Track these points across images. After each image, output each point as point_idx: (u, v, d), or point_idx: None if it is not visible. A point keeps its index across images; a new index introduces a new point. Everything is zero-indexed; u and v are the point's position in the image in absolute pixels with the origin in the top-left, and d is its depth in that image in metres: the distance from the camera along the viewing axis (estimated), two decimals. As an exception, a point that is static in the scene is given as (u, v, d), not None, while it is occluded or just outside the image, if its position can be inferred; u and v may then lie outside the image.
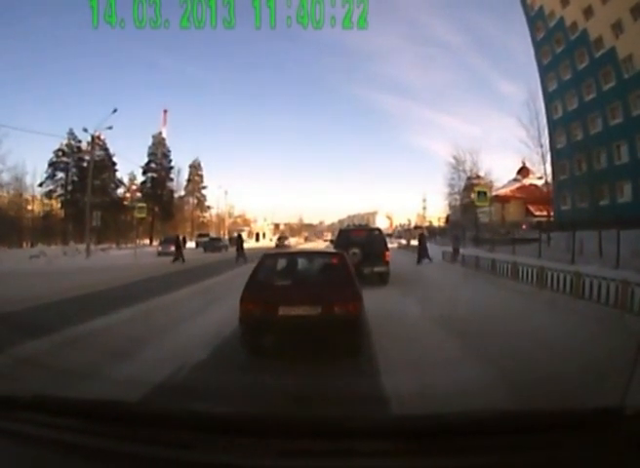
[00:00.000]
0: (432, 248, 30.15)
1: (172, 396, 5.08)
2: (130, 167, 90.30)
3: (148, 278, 19.42)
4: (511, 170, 62.90)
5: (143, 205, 40.77)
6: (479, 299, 11.67)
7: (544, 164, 41.49)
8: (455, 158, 51.77)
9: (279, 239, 66.84)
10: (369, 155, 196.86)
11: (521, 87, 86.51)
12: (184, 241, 50.59)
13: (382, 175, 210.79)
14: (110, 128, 38.28)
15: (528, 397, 4.52)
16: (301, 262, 8.73)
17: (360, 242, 16.42)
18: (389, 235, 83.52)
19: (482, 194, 27.45)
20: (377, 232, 18.29)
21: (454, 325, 8.54)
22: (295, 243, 75.93)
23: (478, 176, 49.54)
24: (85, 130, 39.48)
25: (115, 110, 37.04)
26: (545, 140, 41.38)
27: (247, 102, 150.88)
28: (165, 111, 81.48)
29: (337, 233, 20.89)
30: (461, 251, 25.22)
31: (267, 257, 8.26)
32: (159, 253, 38.50)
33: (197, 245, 52.56)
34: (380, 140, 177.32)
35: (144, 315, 10.41)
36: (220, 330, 8.38)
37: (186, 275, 20.19)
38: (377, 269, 15.80)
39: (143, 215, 40.59)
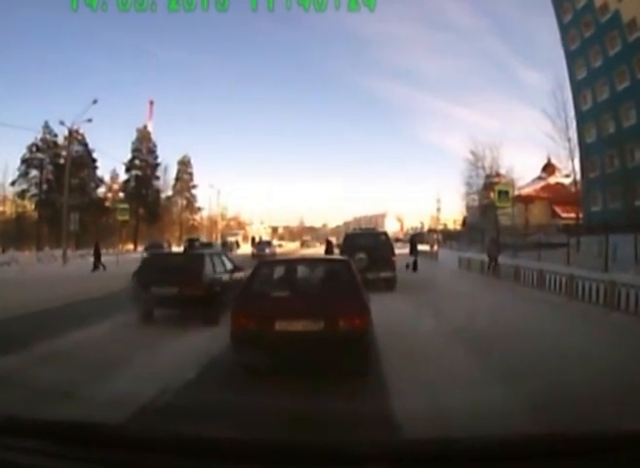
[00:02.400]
0: (447, 253, 30.17)
1: (157, 418, 5.05)
2: (112, 164, 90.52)
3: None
4: (535, 167, 63.09)
5: (126, 206, 40.77)
6: (501, 311, 11.66)
7: (572, 160, 41.60)
8: (473, 154, 51.78)
9: (258, 245, 51.26)
10: (377, 151, 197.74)
11: (546, 75, 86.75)
12: (170, 245, 50.71)
13: (392, 173, 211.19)
14: (90, 120, 38.30)
15: (555, 420, 4.47)
16: (302, 270, 8.67)
17: (366, 246, 17.38)
18: (399, 239, 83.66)
19: (503, 194, 27.32)
20: (383, 237, 19.31)
21: (472, 340, 8.51)
22: (289, 250, 69.53)
23: (498, 174, 49.50)
24: (62, 123, 39.35)
25: (95, 101, 36.85)
26: (573, 134, 41.48)
27: (242, 93, 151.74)
28: (151, 102, 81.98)
29: (342, 237, 22.37)
30: (478, 257, 24.97)
31: (263, 265, 8.22)
32: (144, 260, 38.49)
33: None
34: (389, 135, 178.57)
35: (124, 330, 10.45)
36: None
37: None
38: (383, 275, 16.66)
39: (126, 218, 40.56)
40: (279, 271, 8.48)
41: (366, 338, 6.55)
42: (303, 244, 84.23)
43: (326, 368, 6.43)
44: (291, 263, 9.16)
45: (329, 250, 29.70)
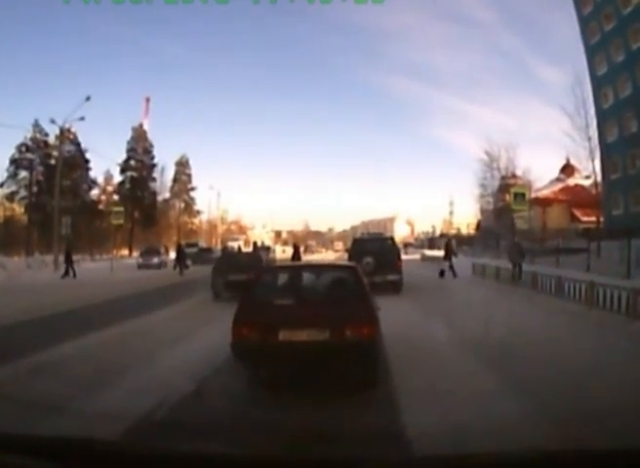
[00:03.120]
0: (460, 259, 30.11)
1: (155, 433, 5.06)
2: (105, 165, 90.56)
3: (126, 296, 19.47)
4: (554, 168, 62.88)
5: (121, 209, 40.77)
6: (517, 321, 11.59)
7: (592, 161, 41.38)
8: (487, 154, 51.90)
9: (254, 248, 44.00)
10: (387, 152, 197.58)
11: (565, 71, 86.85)
12: (167, 251, 50.68)
13: (403, 174, 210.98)
14: (83, 119, 38.48)
15: (575, 435, 4.47)
16: (307, 277, 8.60)
17: (373, 251, 19.40)
18: (410, 244, 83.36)
19: (519, 196, 27.28)
20: (389, 241, 21.91)
21: (487, 351, 8.51)
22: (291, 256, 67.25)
23: (514, 176, 49.57)
24: (53, 121, 39.55)
25: (88, 98, 37.00)
26: (594, 133, 41.28)
27: (243, 90, 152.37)
28: (147, 99, 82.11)
29: (349, 242, 25.55)
30: (493, 263, 24.86)
31: (266, 271, 8.23)
32: (139, 266, 38.63)
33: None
34: (399, 134, 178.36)
35: (119, 341, 10.47)
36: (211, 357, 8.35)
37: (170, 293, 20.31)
38: (389, 278, 18.57)
39: (121, 222, 40.53)
40: (283, 278, 8.48)
41: (374, 348, 6.55)
42: (306, 249, 79.32)
43: (332, 379, 6.43)
44: (295, 269, 9.17)
45: (296, 256, 29.13)
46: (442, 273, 24.61)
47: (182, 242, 56.75)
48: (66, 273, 29.20)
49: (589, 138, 40.43)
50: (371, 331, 6.52)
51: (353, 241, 23.53)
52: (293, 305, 7.08)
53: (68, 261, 29.77)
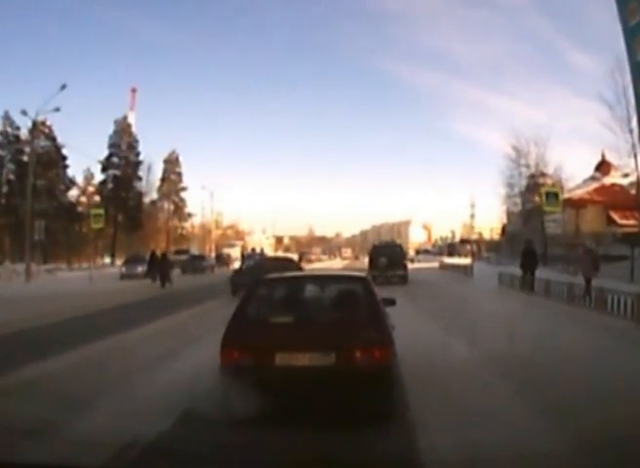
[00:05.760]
0: (483, 268, 30.11)
1: (142, 459, 4.97)
2: (85, 162, 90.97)
3: (102, 311, 19.48)
4: (588, 165, 62.72)
5: (101, 212, 40.85)
6: (551, 338, 11.49)
7: (635, 157, 40.95)
8: (515, 149, 51.55)
9: (244, 259, 44.19)
10: (401, 148, 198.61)
11: (599, 57, 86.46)
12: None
13: (418, 173, 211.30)
14: (58, 110, 38.58)
15: (610, 463, 4.52)
16: (309, 290, 8.44)
17: (387, 254, 31.19)
18: (422, 251, 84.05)
19: (552, 196, 27.20)
20: (399, 248, 34.94)
21: (515, 371, 8.50)
22: None
23: (544, 174, 49.31)
24: (24, 113, 39.71)
25: (64, 86, 37.13)
26: (635, 126, 40.88)
27: (241, 80, 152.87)
28: (133, 90, 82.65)
29: (358, 248, 45.23)
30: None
31: (261, 283, 8.02)
32: (122, 276, 38.54)
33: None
34: (415, 129, 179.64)
35: (96, 360, 10.37)
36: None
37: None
38: (398, 273, 29.83)
39: (102, 226, 40.62)
40: (281, 291, 8.25)
41: (389, 375, 6.31)
42: (302, 257, 68.99)
43: (337, 411, 6.11)
44: (296, 281, 8.94)
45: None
46: (531, 286, 21.67)
47: (183, 248, 57.22)
48: None
49: (631, 131, 40.00)
50: (385, 354, 6.28)
51: (372, 247, 36.60)
52: (292, 324, 6.89)
53: None
